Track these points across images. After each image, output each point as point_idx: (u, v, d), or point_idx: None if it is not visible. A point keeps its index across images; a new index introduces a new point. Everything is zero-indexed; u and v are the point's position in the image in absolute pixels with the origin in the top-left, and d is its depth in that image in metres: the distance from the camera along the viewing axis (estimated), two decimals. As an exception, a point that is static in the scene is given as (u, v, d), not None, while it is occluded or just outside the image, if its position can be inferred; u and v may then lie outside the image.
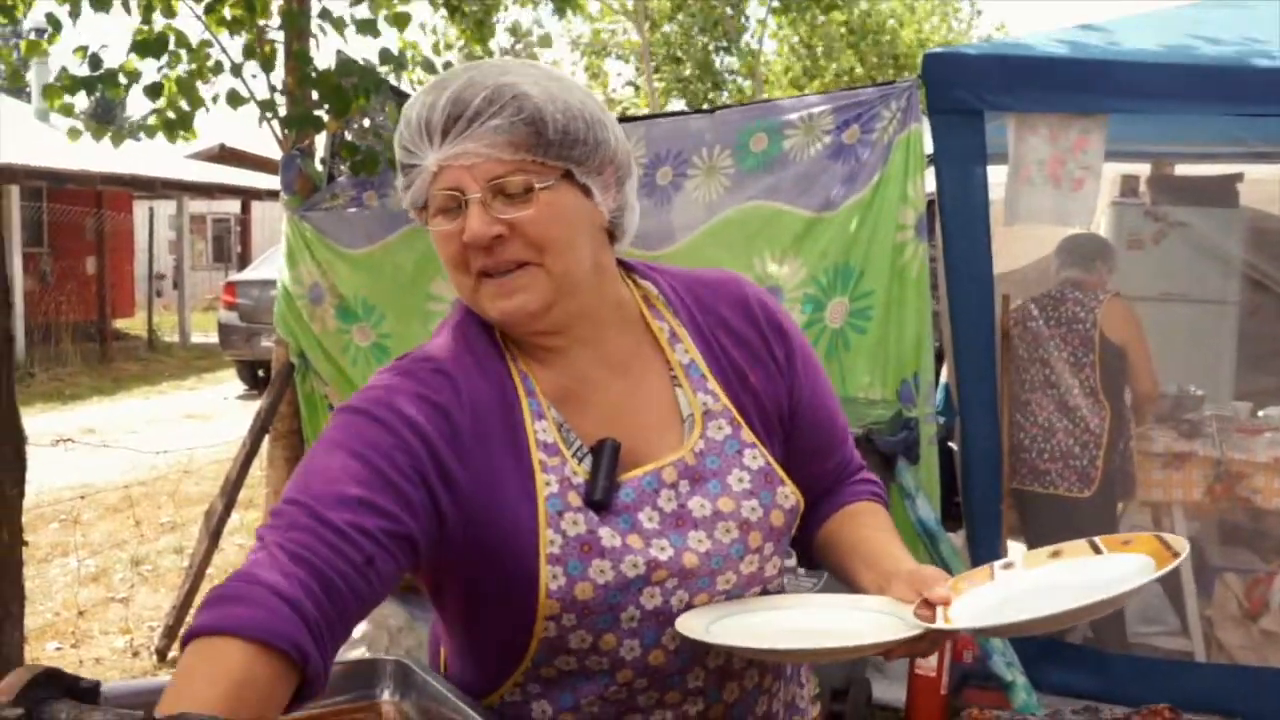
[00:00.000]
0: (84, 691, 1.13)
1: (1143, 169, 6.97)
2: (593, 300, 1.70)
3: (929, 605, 1.59)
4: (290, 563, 1.39)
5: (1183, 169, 7.13)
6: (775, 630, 1.63)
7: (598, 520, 1.64)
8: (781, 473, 1.77)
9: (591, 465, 1.66)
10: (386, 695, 1.70)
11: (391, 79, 6.18)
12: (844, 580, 1.83)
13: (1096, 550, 1.61)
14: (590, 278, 1.68)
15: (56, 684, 1.11)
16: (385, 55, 6.05)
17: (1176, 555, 1.51)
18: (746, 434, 1.76)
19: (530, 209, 1.58)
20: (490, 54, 6.93)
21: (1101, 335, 5.37)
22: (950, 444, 5.56)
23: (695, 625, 1.61)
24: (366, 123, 5.83)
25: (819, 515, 1.91)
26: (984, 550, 5.15)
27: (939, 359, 5.45)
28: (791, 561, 2.06)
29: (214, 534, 6.03)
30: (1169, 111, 5.05)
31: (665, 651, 1.68)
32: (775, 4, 21.70)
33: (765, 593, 1.77)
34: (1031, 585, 1.63)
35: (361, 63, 5.75)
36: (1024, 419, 5.50)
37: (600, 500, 1.63)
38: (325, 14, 6.05)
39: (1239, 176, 6.57)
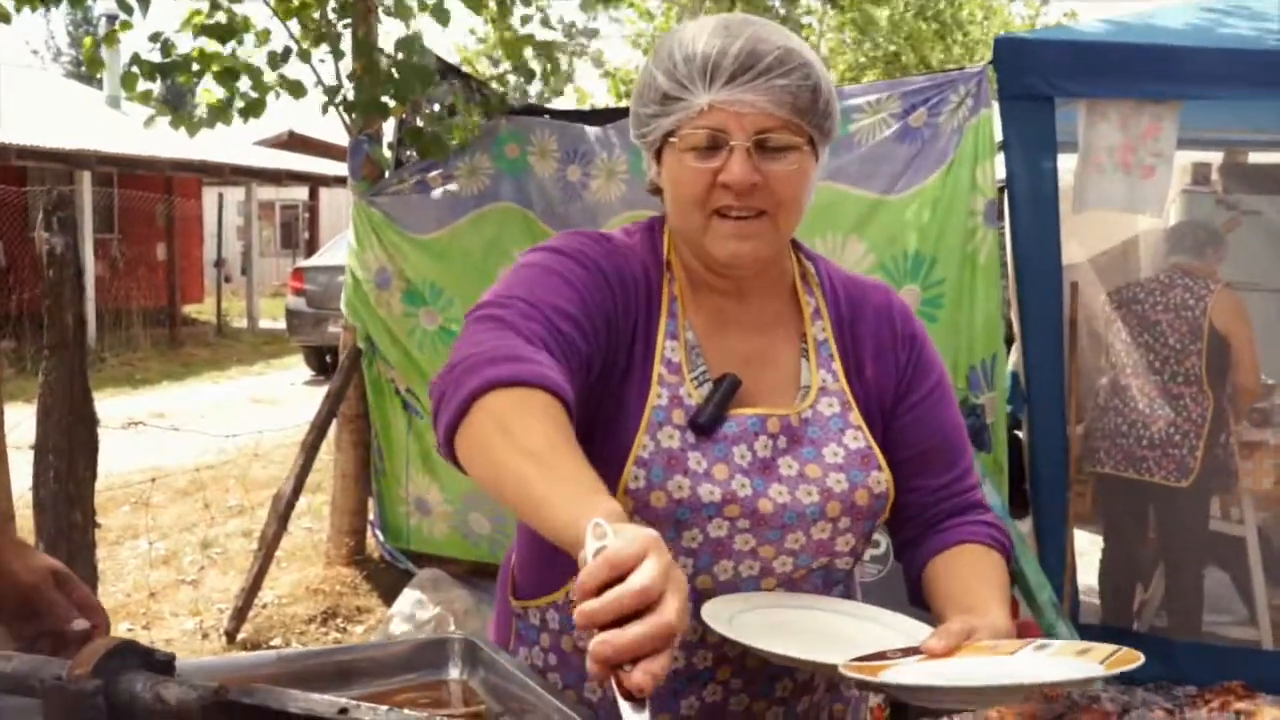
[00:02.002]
0: (159, 664, 1.14)
1: (1215, 157, 6.88)
2: (780, 258, 1.87)
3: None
4: (535, 346, 1.56)
5: (1256, 157, 7.03)
6: (788, 629, 1.67)
7: (693, 442, 1.74)
8: (881, 459, 1.82)
9: (709, 393, 1.77)
10: (455, 674, 1.71)
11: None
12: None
13: (1107, 658, 1.48)
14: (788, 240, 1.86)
15: (133, 656, 1.13)
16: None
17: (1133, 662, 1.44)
18: (854, 416, 1.84)
19: (787, 166, 1.71)
20: (519, 45, 6.88)
21: (1210, 324, 5.30)
22: (1017, 432, 5.53)
23: (720, 614, 1.66)
24: (437, 107, 5.84)
25: (926, 551, 1.86)
26: (1049, 537, 5.12)
27: (1008, 345, 5.41)
28: (880, 550, 2.06)
29: (282, 517, 6.08)
30: (1242, 98, 4.99)
31: (714, 580, 1.76)
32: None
33: (832, 566, 1.83)
34: (1024, 670, 1.48)
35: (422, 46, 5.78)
36: (1122, 403, 5.44)
37: (703, 425, 1.74)
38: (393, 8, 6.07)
39: (1313, 164, 6.49)
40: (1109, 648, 1.49)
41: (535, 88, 7.18)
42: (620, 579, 1.17)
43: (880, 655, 1.56)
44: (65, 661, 1.12)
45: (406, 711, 1.12)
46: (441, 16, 6.11)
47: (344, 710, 1.03)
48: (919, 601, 1.84)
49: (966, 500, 1.89)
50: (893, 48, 23.35)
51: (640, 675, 1.14)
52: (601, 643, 1.15)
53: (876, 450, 1.82)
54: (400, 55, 5.73)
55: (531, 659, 1.94)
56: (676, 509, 1.72)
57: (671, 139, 1.74)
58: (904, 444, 1.87)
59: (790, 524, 1.77)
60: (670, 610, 1.16)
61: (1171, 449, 5.35)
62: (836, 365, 1.86)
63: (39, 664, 1.16)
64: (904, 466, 1.86)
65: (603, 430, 1.75)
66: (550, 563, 1.90)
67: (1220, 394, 5.35)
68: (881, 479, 1.81)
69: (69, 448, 4.26)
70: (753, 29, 1.71)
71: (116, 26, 6.35)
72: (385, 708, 1.05)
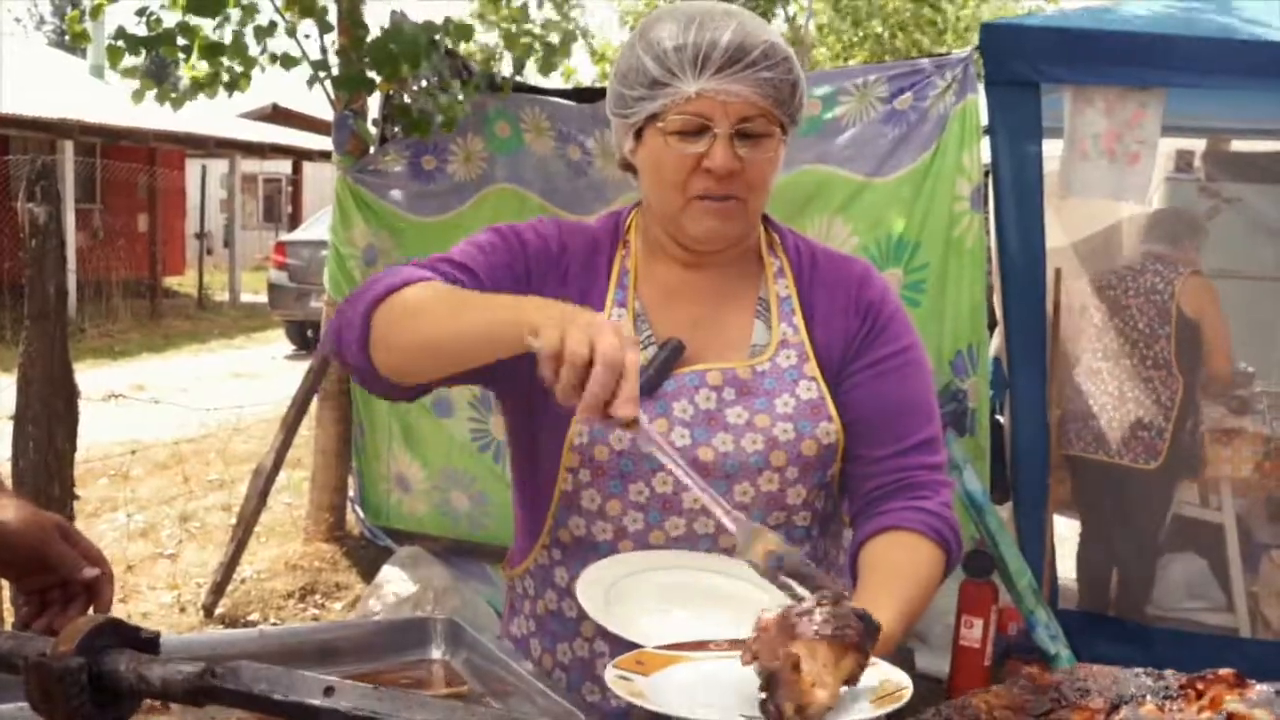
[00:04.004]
0: (144, 642, 1.14)
1: (1198, 144, 6.90)
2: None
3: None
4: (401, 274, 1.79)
5: (1239, 145, 7.06)
6: (675, 595, 1.71)
7: None
8: (833, 410, 1.86)
9: (652, 356, 1.85)
10: (438, 654, 1.72)
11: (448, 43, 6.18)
12: None
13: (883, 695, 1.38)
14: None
15: (117, 634, 1.12)
16: (461, 29, 6.05)
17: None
18: (811, 368, 1.88)
19: (766, 153, 1.81)
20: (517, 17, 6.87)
21: (1178, 308, 5.31)
22: (998, 417, 5.55)
23: (597, 584, 1.71)
24: (424, 83, 5.81)
25: (862, 532, 1.85)
26: (1029, 523, 5.13)
27: (990, 330, 5.42)
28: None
29: (262, 492, 6.06)
30: (1226, 87, 5.00)
31: (665, 536, 1.83)
32: None
33: (789, 522, 1.87)
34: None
35: (413, 25, 5.74)
36: (1094, 387, 5.46)
37: (643, 386, 1.76)
38: None
39: (1295, 152, 6.52)
40: (895, 683, 1.39)
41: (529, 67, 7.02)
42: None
43: (703, 644, 1.52)
44: (49, 639, 1.12)
45: (393, 690, 1.12)
46: None
47: (330, 690, 1.03)
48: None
49: (915, 478, 1.87)
50: (884, 31, 23.31)
51: (619, 410, 1.42)
52: (583, 410, 1.43)
53: (829, 401, 1.87)
54: (386, 30, 5.70)
55: (519, 628, 2.02)
56: (619, 460, 1.82)
57: (657, 122, 1.81)
58: (848, 409, 1.89)
59: (734, 474, 1.82)
60: (603, 348, 1.41)
61: (1140, 431, 5.38)
62: (798, 319, 1.92)
63: (22, 641, 1.15)
64: (849, 432, 1.88)
65: (549, 393, 1.81)
66: (522, 532, 2.00)
67: (1191, 378, 5.37)
68: (831, 430, 1.86)
69: (48, 419, 4.24)
70: (738, 21, 1.80)
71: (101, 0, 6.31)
72: (371, 686, 1.04)
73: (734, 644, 1.48)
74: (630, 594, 1.70)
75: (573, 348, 1.41)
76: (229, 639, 1.64)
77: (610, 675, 1.42)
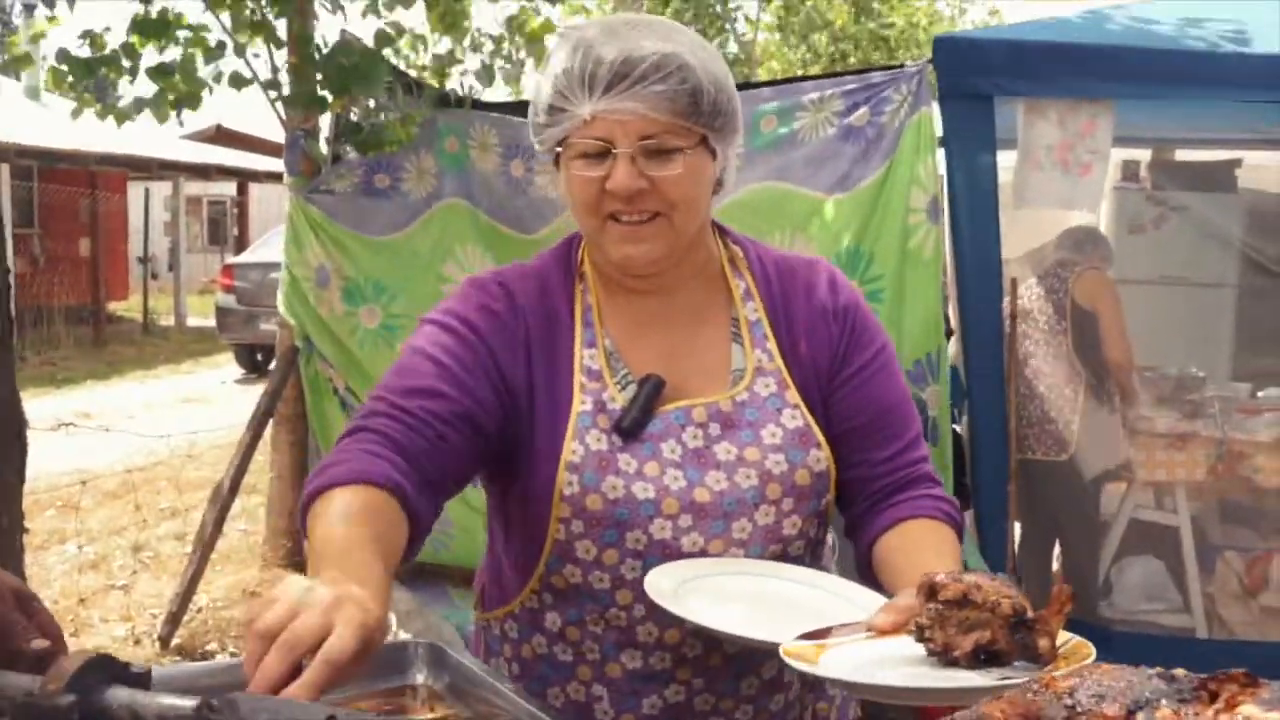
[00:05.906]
0: (135, 677, 1.12)
1: (1144, 154, 6.98)
2: (690, 251, 1.86)
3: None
4: (374, 441, 1.65)
5: (1183, 154, 7.15)
6: (740, 598, 1.68)
7: (620, 443, 1.78)
8: (820, 437, 1.83)
9: (632, 396, 1.80)
10: (420, 678, 1.69)
11: (390, 57, 6.16)
12: None
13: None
14: (699, 232, 1.85)
15: (108, 670, 1.11)
16: (381, 36, 6.03)
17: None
18: (792, 395, 1.84)
19: (674, 169, 1.72)
20: (461, 45, 6.89)
21: (1073, 301, 5.47)
22: (956, 427, 5.58)
23: (664, 584, 1.67)
24: (372, 103, 5.78)
25: (876, 527, 1.83)
26: (990, 531, 5.16)
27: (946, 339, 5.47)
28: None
29: (217, 519, 6.00)
30: (1176, 98, 5.06)
31: None
32: None
33: (785, 553, 1.83)
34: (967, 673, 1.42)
35: (363, 44, 5.73)
36: (1024, 389, 5.55)
37: (627, 428, 1.77)
38: None
39: (1238, 162, 6.64)
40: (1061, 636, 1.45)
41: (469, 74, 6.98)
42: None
43: (825, 631, 1.53)
44: (35, 677, 1.10)
45: (394, 716, 1.11)
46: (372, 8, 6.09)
47: (331, 718, 1.01)
48: (870, 580, 1.82)
49: (915, 473, 1.88)
50: (834, 49, 23.48)
51: None
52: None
53: (815, 428, 1.83)
54: (338, 52, 5.67)
55: (498, 669, 1.96)
56: (614, 509, 1.75)
57: (562, 149, 1.78)
58: (846, 416, 1.87)
59: (732, 511, 1.78)
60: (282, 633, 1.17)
61: (1048, 424, 5.49)
62: (771, 345, 1.87)
63: (5, 679, 1.13)
64: (848, 439, 1.86)
65: (532, 442, 1.80)
66: (504, 575, 1.94)
67: (1098, 370, 5.50)
68: (821, 457, 1.83)
69: (-3, 450, 4.17)
70: (633, 36, 1.72)
71: (42, 21, 6.24)
72: (374, 714, 1.03)
73: (852, 627, 1.52)
74: (698, 594, 1.67)
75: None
76: (207, 670, 1.61)
77: (797, 667, 1.43)
